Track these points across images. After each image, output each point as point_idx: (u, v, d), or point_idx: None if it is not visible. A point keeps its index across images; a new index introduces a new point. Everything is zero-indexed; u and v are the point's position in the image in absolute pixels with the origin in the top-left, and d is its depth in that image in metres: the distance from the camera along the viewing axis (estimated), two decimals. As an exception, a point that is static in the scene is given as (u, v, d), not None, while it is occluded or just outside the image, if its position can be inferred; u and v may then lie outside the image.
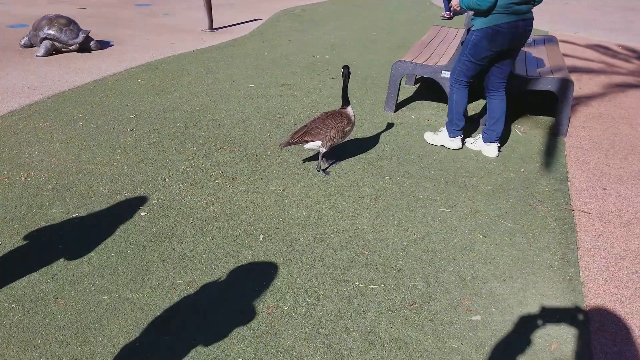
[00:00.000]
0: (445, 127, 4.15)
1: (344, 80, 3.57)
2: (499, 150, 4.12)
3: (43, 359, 2.08)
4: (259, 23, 8.87)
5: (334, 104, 5.10)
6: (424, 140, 4.30)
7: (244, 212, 3.18)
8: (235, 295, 2.49)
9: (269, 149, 4.04)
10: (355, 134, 4.39)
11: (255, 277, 2.62)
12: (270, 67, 6.26)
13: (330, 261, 2.76)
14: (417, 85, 5.87)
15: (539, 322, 2.40)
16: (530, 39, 5.87)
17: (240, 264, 2.70)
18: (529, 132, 4.60)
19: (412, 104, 5.24)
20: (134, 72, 5.70)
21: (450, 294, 2.55)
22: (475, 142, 4.17)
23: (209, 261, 2.72)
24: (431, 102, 5.26)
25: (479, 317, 2.41)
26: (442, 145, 4.19)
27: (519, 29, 3.50)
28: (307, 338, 2.25)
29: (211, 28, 7.93)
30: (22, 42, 6.44)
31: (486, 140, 4.06)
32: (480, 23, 3.56)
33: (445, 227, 3.10)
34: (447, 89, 4.63)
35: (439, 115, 4.90)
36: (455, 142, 4.12)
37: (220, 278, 2.60)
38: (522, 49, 4.95)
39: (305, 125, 3.52)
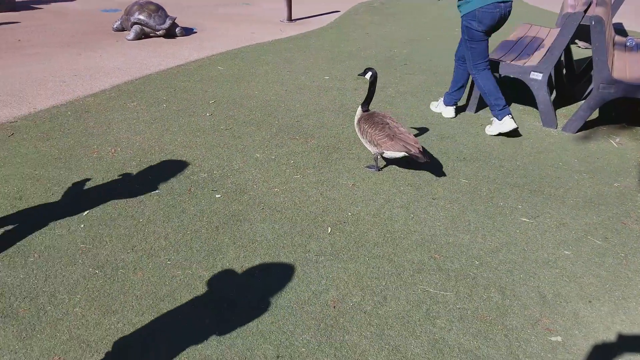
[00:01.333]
0: (492, 115, 4.28)
1: (370, 84, 3.57)
2: (456, 114, 4.65)
3: (120, 324, 2.23)
4: (336, 15, 8.89)
5: (409, 99, 5.01)
6: (500, 140, 4.12)
7: (313, 203, 3.21)
8: (301, 284, 2.52)
9: (340, 142, 4.05)
10: (432, 133, 4.29)
11: (322, 269, 2.64)
12: (346, 59, 6.26)
13: (399, 261, 2.72)
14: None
15: (628, 352, 2.22)
16: (632, 41, 5.42)
17: (307, 254, 2.74)
18: (625, 143, 4.26)
19: (493, 105, 5.04)
20: (214, 59, 5.93)
21: (528, 310, 2.42)
22: (438, 105, 4.71)
23: (277, 248, 2.78)
24: (516, 104, 5.02)
25: (559, 338, 2.27)
26: (499, 134, 4.26)
27: (501, 9, 3.91)
28: (372, 337, 2.23)
29: (290, 19, 8.06)
30: (115, 26, 6.91)
31: (447, 103, 4.61)
32: (466, 8, 3.97)
33: (526, 239, 2.95)
34: (535, 91, 4.39)
35: (523, 118, 4.67)
36: (507, 124, 4.16)
37: (288, 266, 2.65)
38: (622, 53, 4.60)
39: (389, 127, 3.44)
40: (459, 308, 2.42)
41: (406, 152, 3.33)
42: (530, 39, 5.38)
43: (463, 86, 4.51)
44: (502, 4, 3.88)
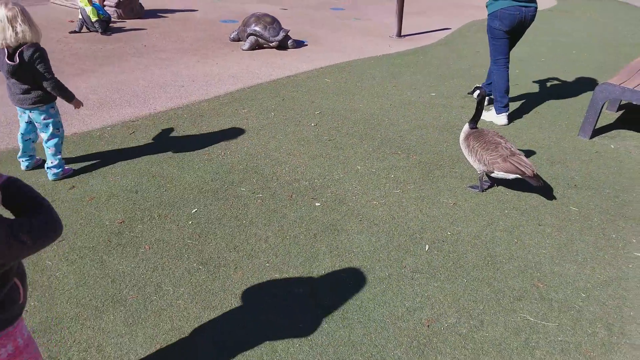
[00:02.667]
0: (493, 106, 4.78)
1: (478, 102, 3.46)
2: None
3: (218, 320, 2.32)
4: (447, 32, 8.70)
5: (518, 124, 4.73)
6: (616, 170, 3.71)
7: (412, 219, 3.12)
8: (395, 300, 2.46)
9: (443, 159, 3.92)
10: (542, 156, 4.02)
11: (417, 286, 2.56)
12: (454, 77, 6.07)
13: (499, 287, 2.57)
14: (621, 112, 5.14)
15: None
16: None
17: (403, 270, 2.67)
18: None
19: (613, 132, 4.62)
20: (323, 72, 6.08)
21: (637, 351, 2.20)
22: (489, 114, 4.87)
23: (373, 261, 2.73)
24: (636, 133, 4.53)
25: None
26: (491, 122, 4.73)
27: (521, 12, 4.37)
28: (470, 367, 2.10)
29: (399, 34, 8.04)
30: (231, 36, 7.39)
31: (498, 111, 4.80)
32: (491, 8, 4.48)
33: (639, 275, 2.63)
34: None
35: (659, 149, 4.17)
36: (501, 119, 4.70)
37: (382, 279, 2.59)
38: None
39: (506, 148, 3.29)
40: (561, 340, 2.27)
41: (519, 174, 3.16)
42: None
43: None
44: (523, 8, 4.36)
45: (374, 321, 2.33)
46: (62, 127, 3.43)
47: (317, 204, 3.27)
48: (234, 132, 4.30)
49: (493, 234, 3.01)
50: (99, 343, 2.18)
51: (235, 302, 2.43)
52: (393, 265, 2.72)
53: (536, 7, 4.42)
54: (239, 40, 7.34)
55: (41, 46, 3.10)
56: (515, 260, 2.78)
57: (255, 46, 6.98)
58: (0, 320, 1.41)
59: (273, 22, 7.00)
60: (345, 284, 2.57)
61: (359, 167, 3.77)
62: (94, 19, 7.12)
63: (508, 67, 4.61)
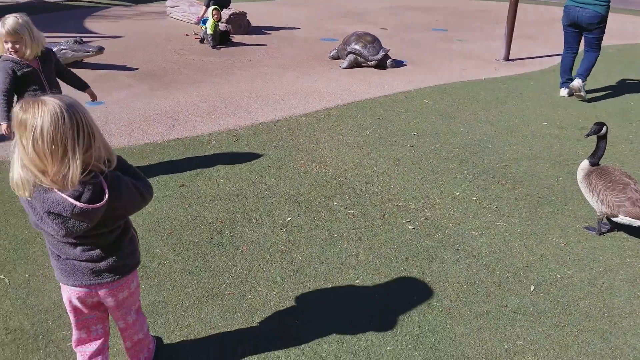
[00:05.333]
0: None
1: (599, 138, 3.36)
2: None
3: (306, 328, 2.45)
4: (559, 58, 8.36)
5: (647, 161, 4.42)
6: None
7: (516, 255, 3.06)
8: (494, 339, 2.43)
9: (554, 194, 3.78)
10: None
11: (519, 328, 2.49)
12: (568, 106, 5.84)
13: (617, 343, 2.41)
14: None
15: None
16: None
17: (503, 309, 2.62)
18: None
19: None
20: (422, 93, 6.15)
21: None
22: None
23: (470, 295, 2.72)
24: None
25: None
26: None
27: (575, 11, 5.76)
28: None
29: (507, 58, 7.89)
30: (331, 54, 7.71)
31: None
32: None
33: None
34: None
35: None
36: (561, 92, 6.26)
37: (480, 315, 2.57)
38: None
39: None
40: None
41: None
42: None
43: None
44: (577, 8, 5.69)
45: (468, 358, 2.32)
46: None
47: (410, 227, 3.32)
48: (329, 147, 4.50)
49: (611, 283, 2.83)
50: (197, 332, 2.40)
51: (324, 315, 2.55)
52: (492, 302, 2.68)
53: (595, 11, 5.57)
54: (338, 58, 7.63)
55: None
56: (638, 317, 2.59)
57: (354, 64, 7.23)
58: (131, 263, 1.87)
59: (373, 41, 7.21)
60: (438, 313, 2.59)
61: (457, 194, 3.77)
62: (210, 32, 7.81)
63: (573, 55, 6.16)
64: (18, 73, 3.07)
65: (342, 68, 7.18)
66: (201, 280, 2.75)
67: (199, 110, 5.26)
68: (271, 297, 2.65)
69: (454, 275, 2.87)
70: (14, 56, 3.05)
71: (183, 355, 2.27)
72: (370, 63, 7.14)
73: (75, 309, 1.87)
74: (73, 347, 1.98)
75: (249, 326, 2.46)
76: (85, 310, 1.88)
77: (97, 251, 1.75)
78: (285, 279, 2.79)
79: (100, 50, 6.49)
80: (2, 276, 2.71)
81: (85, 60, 6.64)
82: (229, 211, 3.42)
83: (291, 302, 2.62)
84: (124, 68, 6.64)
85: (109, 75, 6.34)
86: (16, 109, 1.55)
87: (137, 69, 6.63)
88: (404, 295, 2.71)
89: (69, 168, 1.53)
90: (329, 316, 2.54)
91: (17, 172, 1.56)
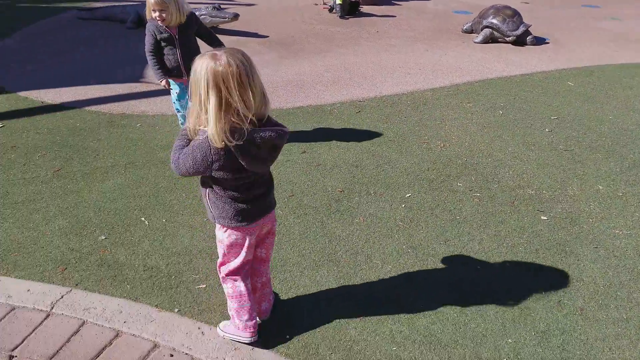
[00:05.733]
0: None
1: None
2: None
3: (421, 304, 2.39)
4: None
5: None
6: None
7: (669, 262, 2.69)
8: (633, 349, 2.18)
9: None
10: None
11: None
12: None
13: None
14: None
15: None
16: None
17: (648, 320, 2.33)
18: None
19: None
20: (565, 74, 5.59)
21: None
22: None
23: (608, 297, 2.46)
24: None
25: None
26: None
27: None
28: None
29: (672, 39, 6.86)
30: (464, 27, 7.30)
31: None
32: None
33: None
34: None
35: None
36: None
37: (618, 321, 2.32)
38: None
39: None
40: None
41: None
42: None
43: None
44: None
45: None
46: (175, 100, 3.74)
47: (543, 218, 3.07)
48: (455, 125, 4.29)
49: None
50: (312, 292, 2.46)
51: (440, 296, 2.47)
52: (634, 308, 2.40)
53: None
54: (471, 32, 7.21)
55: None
56: None
57: (489, 39, 6.77)
58: (224, 218, 1.96)
59: (514, 16, 6.68)
60: (569, 313, 2.38)
61: (600, 187, 3.40)
62: (339, 1, 7.81)
63: None
64: (157, 37, 3.43)
65: (475, 42, 6.77)
66: (318, 244, 2.80)
67: (324, 79, 5.31)
68: (386, 271, 2.62)
69: (590, 274, 2.61)
70: (157, 22, 3.36)
71: (298, 311, 2.35)
72: (507, 39, 6.64)
73: (248, 247, 2.05)
74: (231, 286, 2.12)
75: (362, 295, 2.46)
76: (252, 248, 2.09)
77: (267, 186, 2.02)
78: (401, 255, 2.74)
79: (236, 17, 6.81)
80: (142, 218, 3.00)
81: (221, 26, 7.02)
82: (347, 181, 3.43)
83: (406, 279, 2.58)
84: (255, 35, 6.91)
85: (241, 41, 6.64)
86: (207, 64, 1.69)
87: (267, 36, 6.87)
88: (530, 288, 2.51)
89: (266, 105, 1.82)
90: (446, 298, 2.45)
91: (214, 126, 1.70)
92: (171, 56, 3.50)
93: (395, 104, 4.75)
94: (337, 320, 2.31)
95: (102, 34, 6.65)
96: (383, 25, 7.58)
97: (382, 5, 8.91)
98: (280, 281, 2.53)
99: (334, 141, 3.98)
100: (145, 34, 3.46)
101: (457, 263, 2.69)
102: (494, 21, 6.68)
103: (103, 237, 2.83)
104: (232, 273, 2.11)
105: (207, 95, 1.70)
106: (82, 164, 3.57)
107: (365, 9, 8.54)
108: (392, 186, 3.38)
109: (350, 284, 2.53)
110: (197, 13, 6.78)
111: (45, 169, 3.49)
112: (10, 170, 3.47)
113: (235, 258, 2.08)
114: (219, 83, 1.68)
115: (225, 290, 2.16)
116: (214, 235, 2.07)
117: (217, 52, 1.74)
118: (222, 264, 2.11)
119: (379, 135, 4.11)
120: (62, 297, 2.41)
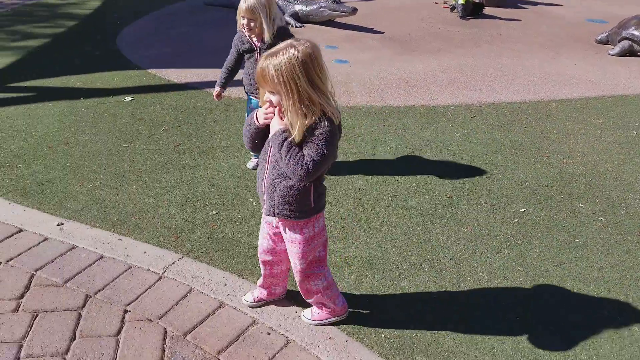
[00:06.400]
0: None
1: None
2: None
3: (529, 328, 2.26)
4: None
5: None
6: None
7: None
8: None
9: None
10: None
11: None
12: None
13: None
14: None
15: None
16: None
17: None
18: None
19: None
20: None
21: None
22: None
23: None
24: None
25: None
26: None
27: None
28: None
29: None
30: (598, 38, 6.75)
31: None
32: None
33: None
34: None
35: None
36: None
37: None
38: None
39: None
40: None
41: None
42: None
43: None
44: None
45: None
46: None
47: (678, 252, 2.77)
48: (581, 141, 3.99)
49: None
50: (411, 295, 2.43)
51: (554, 321, 2.32)
52: None
53: None
54: (607, 42, 6.65)
55: None
56: None
57: (627, 53, 6.20)
58: (321, 205, 2.02)
59: (662, 28, 6.05)
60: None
61: None
62: (462, 1, 7.60)
63: None
64: (240, 49, 3.20)
65: (610, 54, 6.24)
66: (420, 248, 2.75)
67: (438, 80, 5.20)
68: (492, 286, 2.51)
69: None
70: (245, 31, 3.12)
71: (395, 312, 2.32)
72: (650, 52, 6.05)
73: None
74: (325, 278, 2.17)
75: (464, 306, 2.38)
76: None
77: None
78: (510, 272, 2.61)
79: (354, 11, 6.88)
80: (251, 199, 3.15)
81: (338, 19, 7.14)
82: (457, 187, 3.33)
83: (514, 297, 2.45)
84: (371, 31, 6.94)
85: (356, 36, 6.70)
86: (292, 53, 1.74)
87: (383, 33, 6.86)
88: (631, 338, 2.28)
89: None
90: (555, 324, 2.30)
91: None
92: (251, 70, 3.15)
93: (514, 112, 4.53)
94: (435, 328, 2.26)
95: (226, 21, 7.07)
96: (507, 29, 7.26)
97: (507, 7, 8.52)
98: (378, 279, 2.53)
99: (444, 144, 3.88)
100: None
101: (572, 289, 2.51)
102: (636, 33, 6.10)
103: (214, 212, 3.01)
104: (323, 262, 2.15)
105: (308, 79, 1.75)
106: (200, 141, 3.82)
107: (488, 10, 8.21)
108: (505, 198, 3.23)
109: (452, 293, 2.46)
110: (315, 5, 6.99)
111: (167, 143, 3.79)
112: (136, 141, 3.81)
113: (324, 246, 2.13)
114: (311, 64, 1.76)
115: (316, 288, 2.14)
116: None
117: (286, 44, 1.78)
118: (316, 261, 2.12)
119: (494, 143, 3.94)
120: (173, 262, 2.60)
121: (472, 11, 7.76)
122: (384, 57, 5.93)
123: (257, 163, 3.31)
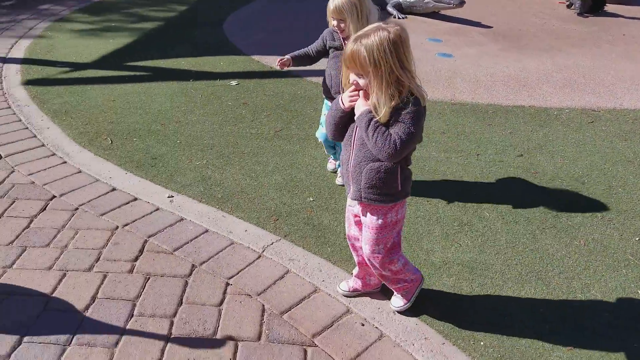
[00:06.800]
0: None
1: None
2: None
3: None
4: None
5: None
6: None
7: None
8: None
9: None
10: None
11: None
12: None
13: None
14: None
15: None
16: None
17: None
18: None
19: None
20: None
21: None
22: None
23: None
24: None
25: None
26: None
27: None
28: None
29: None
30: None
31: None
32: None
33: None
34: None
35: None
36: None
37: None
38: None
39: None
40: None
41: None
42: None
43: None
44: None
45: None
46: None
47: None
48: None
49: None
50: (514, 306, 2.32)
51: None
52: None
53: None
54: None
55: None
56: None
57: None
58: (407, 189, 2.03)
59: None
60: None
61: None
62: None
63: None
64: (327, 44, 3.08)
65: None
66: (527, 257, 2.61)
67: (552, 80, 4.89)
68: (608, 307, 2.33)
69: None
70: (335, 29, 2.96)
71: (497, 321, 2.23)
72: None
73: None
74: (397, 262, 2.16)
75: (574, 324, 2.23)
76: None
77: None
78: (628, 294, 2.40)
79: (461, 4, 6.65)
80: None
81: (443, 11, 6.94)
82: (569, 196, 3.12)
83: (633, 322, 2.25)
84: (477, 25, 6.68)
85: (462, 29, 6.47)
86: (381, 35, 1.75)
87: (491, 27, 6.58)
88: None
89: None
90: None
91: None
92: (334, 71, 2.96)
93: (638, 120, 4.15)
94: (540, 344, 2.14)
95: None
96: (631, 28, 6.68)
97: (632, 5, 7.83)
98: (479, 285, 2.43)
99: (557, 149, 3.65)
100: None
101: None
102: None
103: (311, 199, 3.06)
104: (399, 247, 2.16)
105: (398, 59, 1.76)
106: (300, 129, 3.90)
107: (610, 7, 7.61)
108: (625, 214, 2.98)
109: (560, 309, 2.31)
110: (419, -4, 6.82)
111: (268, 128, 3.90)
112: (240, 124, 3.96)
113: (399, 233, 2.14)
114: (401, 45, 1.77)
115: (396, 268, 2.15)
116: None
117: (376, 26, 1.79)
118: (393, 247, 2.11)
119: (614, 152, 3.64)
120: (272, 243, 2.68)
121: (591, 8, 7.22)
122: (491, 52, 5.68)
123: (336, 165, 3.33)
